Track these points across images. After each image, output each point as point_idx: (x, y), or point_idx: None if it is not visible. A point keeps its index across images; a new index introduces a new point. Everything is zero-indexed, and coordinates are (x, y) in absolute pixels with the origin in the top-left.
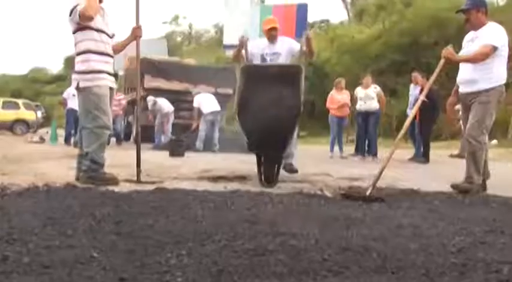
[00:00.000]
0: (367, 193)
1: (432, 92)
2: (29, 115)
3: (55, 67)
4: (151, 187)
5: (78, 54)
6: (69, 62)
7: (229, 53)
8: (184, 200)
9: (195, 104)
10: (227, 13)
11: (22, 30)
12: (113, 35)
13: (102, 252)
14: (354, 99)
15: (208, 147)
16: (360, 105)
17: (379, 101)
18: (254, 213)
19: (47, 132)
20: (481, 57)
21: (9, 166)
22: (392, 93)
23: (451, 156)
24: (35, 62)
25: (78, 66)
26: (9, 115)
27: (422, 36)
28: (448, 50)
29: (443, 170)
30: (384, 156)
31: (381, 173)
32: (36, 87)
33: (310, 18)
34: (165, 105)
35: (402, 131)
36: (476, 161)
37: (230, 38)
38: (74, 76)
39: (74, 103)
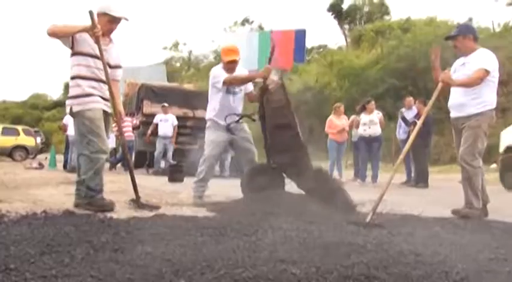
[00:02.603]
0: (367, 219)
1: (427, 116)
2: (28, 141)
3: (55, 93)
4: (150, 213)
5: (71, 78)
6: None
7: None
8: (183, 226)
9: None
10: (226, 39)
11: (22, 57)
12: (117, 66)
13: None
14: (351, 124)
15: (219, 171)
16: (364, 130)
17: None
18: (254, 240)
19: (46, 158)
20: (475, 82)
21: (7, 193)
22: (391, 118)
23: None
24: (35, 88)
25: (70, 91)
26: (9, 141)
27: (420, 62)
28: (445, 74)
29: (442, 194)
30: (384, 182)
31: (380, 198)
32: (36, 113)
33: (308, 44)
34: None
35: (401, 156)
36: (473, 185)
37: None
38: (67, 101)
39: (72, 129)
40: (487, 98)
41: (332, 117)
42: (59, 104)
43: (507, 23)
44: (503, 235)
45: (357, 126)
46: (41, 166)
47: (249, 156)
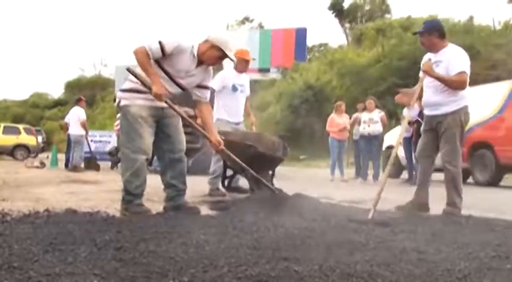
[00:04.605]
0: (369, 216)
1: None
2: (30, 140)
3: (56, 92)
4: (152, 212)
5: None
6: (70, 86)
7: None
8: (186, 225)
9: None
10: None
11: (23, 56)
12: (200, 86)
13: (103, 280)
14: (352, 123)
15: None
16: (364, 129)
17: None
18: (256, 238)
19: (47, 156)
20: (457, 85)
21: (9, 192)
22: (392, 116)
23: None
24: (36, 87)
25: (125, 84)
26: (10, 140)
27: (421, 60)
28: (427, 64)
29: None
30: (381, 178)
31: (379, 194)
32: (37, 112)
33: (309, 42)
34: None
35: (395, 149)
36: (457, 185)
37: (230, 62)
38: (118, 93)
39: (74, 128)
40: (462, 95)
41: (333, 116)
42: (60, 103)
43: (508, 20)
44: (504, 233)
45: (359, 124)
46: (42, 165)
47: None
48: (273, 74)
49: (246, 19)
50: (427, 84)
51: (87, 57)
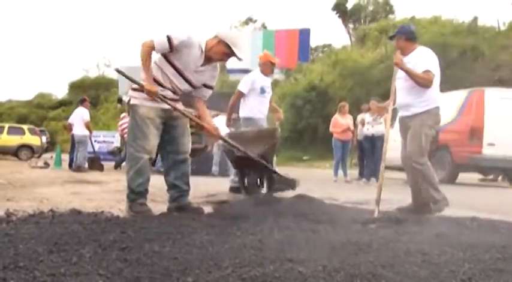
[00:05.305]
0: (375, 214)
1: None
2: (34, 140)
3: (60, 92)
4: (156, 212)
5: None
6: (74, 87)
7: (234, 77)
8: (190, 225)
9: None
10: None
11: (27, 57)
12: (205, 86)
13: (108, 280)
14: (355, 124)
15: (223, 171)
16: (367, 129)
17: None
18: (260, 239)
19: (51, 157)
20: (422, 81)
21: (14, 192)
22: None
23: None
24: (40, 88)
25: (134, 84)
26: (14, 140)
27: None
28: (397, 56)
29: (448, 194)
30: (389, 181)
31: (380, 191)
32: (41, 112)
33: (313, 43)
34: None
35: (384, 149)
36: (429, 181)
37: (234, 62)
38: (129, 92)
39: (77, 128)
40: (430, 96)
41: (337, 116)
42: (64, 103)
43: None
44: (509, 234)
45: (363, 125)
46: (46, 165)
47: None
48: (276, 75)
49: (250, 20)
50: (399, 86)
51: (90, 58)
